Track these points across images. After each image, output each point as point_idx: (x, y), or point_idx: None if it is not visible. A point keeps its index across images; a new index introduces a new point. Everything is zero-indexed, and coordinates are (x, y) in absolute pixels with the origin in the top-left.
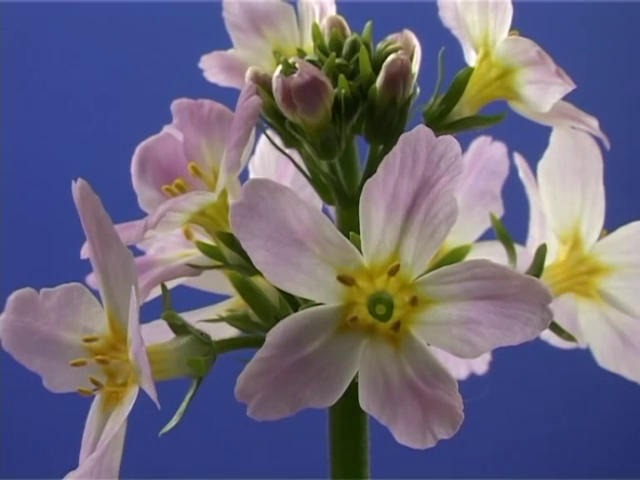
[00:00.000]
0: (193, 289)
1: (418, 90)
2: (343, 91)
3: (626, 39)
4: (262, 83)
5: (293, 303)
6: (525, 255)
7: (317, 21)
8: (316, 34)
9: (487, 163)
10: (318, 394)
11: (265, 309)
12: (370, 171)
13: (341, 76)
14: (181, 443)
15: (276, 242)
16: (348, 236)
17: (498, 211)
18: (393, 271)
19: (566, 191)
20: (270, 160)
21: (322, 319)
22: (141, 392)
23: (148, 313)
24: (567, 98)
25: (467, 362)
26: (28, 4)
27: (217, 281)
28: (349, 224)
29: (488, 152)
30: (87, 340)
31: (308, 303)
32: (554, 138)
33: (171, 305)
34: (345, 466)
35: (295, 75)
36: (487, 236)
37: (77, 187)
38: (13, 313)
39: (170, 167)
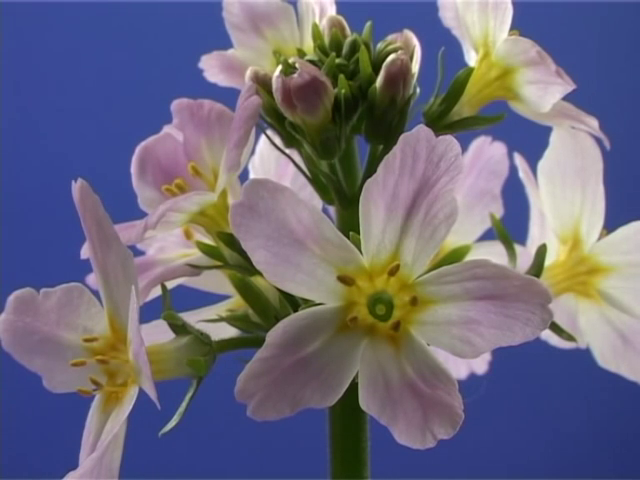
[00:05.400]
0: (193, 289)
1: (418, 90)
2: (343, 91)
3: (626, 39)
4: (262, 83)
5: (293, 303)
6: (525, 255)
7: (317, 21)
8: (316, 34)
9: (487, 163)
10: (318, 394)
11: (265, 309)
12: (370, 171)
13: (341, 76)
14: (181, 443)
15: (276, 242)
16: (348, 236)
17: (498, 211)
18: (393, 271)
19: (566, 191)
20: (270, 160)
21: (322, 319)
22: (141, 392)
23: (148, 313)
24: (567, 98)
25: (467, 362)
26: (28, 4)
27: (217, 281)
28: (349, 224)
29: (488, 152)
30: (87, 340)
31: (308, 303)
32: (554, 138)
33: (171, 305)
34: (345, 466)
35: (295, 75)
36: (487, 236)
37: (77, 187)
38: (13, 313)
39: (170, 167)
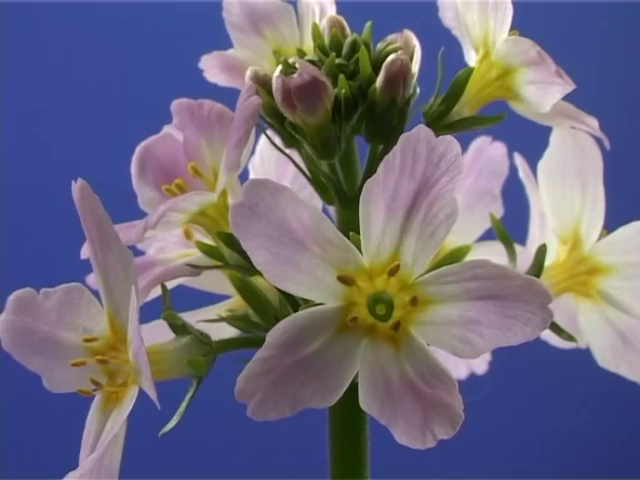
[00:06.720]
0: (193, 289)
1: (418, 90)
2: (343, 91)
3: (626, 39)
4: (262, 83)
5: (293, 303)
6: (525, 255)
7: (317, 21)
8: (316, 34)
9: (487, 163)
10: (318, 394)
11: (265, 309)
12: (370, 171)
13: (341, 76)
14: (181, 443)
15: (276, 242)
16: (348, 236)
17: (498, 211)
18: (393, 271)
19: (566, 191)
20: (270, 160)
21: (322, 319)
22: (141, 392)
23: (148, 313)
24: (567, 98)
25: (467, 362)
26: (28, 4)
27: (217, 281)
28: (349, 224)
29: (488, 152)
30: (87, 340)
31: (308, 303)
32: (554, 138)
33: (171, 305)
34: (345, 466)
35: (295, 75)
36: (487, 236)
37: (77, 187)
38: (13, 313)
39: (170, 167)
